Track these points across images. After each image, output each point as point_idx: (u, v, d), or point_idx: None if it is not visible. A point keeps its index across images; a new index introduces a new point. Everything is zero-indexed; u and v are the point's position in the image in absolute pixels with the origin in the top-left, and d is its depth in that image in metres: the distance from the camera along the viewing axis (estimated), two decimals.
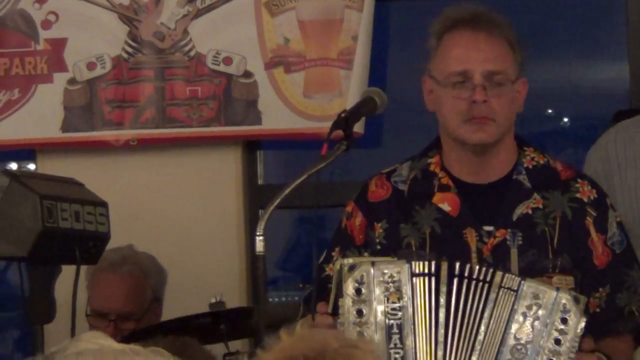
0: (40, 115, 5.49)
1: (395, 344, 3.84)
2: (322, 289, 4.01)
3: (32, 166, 5.58)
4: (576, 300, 3.84)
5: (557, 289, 3.86)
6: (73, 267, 4.27)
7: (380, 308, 3.85)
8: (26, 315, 4.33)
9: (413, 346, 3.85)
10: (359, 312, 3.84)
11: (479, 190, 4.09)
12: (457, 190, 4.08)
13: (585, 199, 4.11)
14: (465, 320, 3.86)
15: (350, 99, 4.99)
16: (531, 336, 3.85)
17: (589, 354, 3.88)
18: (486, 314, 3.85)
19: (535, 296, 3.85)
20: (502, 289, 3.85)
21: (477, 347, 3.86)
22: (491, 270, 3.88)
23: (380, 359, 2.33)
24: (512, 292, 3.85)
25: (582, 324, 3.81)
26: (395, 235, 4.08)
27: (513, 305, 3.85)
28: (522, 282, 3.86)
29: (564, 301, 3.83)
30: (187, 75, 5.46)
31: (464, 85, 3.97)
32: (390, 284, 3.86)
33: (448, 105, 4.00)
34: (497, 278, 3.86)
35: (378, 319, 3.84)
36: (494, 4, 4.64)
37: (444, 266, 3.87)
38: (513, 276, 3.87)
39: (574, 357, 3.83)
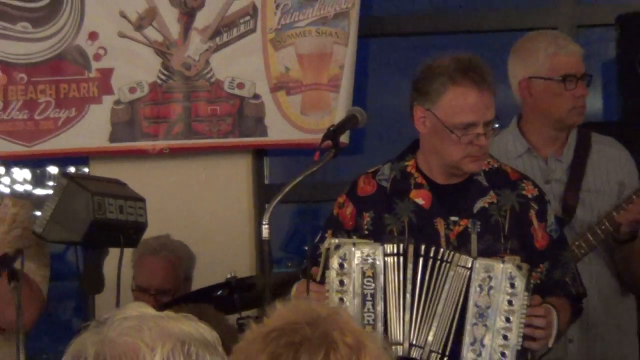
0: (92, 129, 5.46)
1: (368, 309, 3.86)
2: (315, 263, 3.98)
3: (85, 169, 5.56)
4: (519, 268, 3.85)
5: (503, 261, 3.87)
6: (118, 250, 4.25)
7: (357, 280, 3.86)
8: (81, 287, 4.31)
9: (382, 311, 3.86)
10: (341, 282, 3.85)
11: (446, 189, 4.06)
12: (429, 187, 4.05)
13: (530, 196, 4.09)
14: (429, 292, 3.87)
15: (338, 116, 4.95)
16: (489, 302, 3.85)
17: (538, 306, 3.90)
18: (446, 287, 3.86)
19: (487, 270, 3.85)
20: (459, 267, 3.86)
21: (438, 312, 3.87)
22: (450, 252, 3.89)
23: (356, 322, 2.28)
24: (467, 270, 3.85)
25: (522, 280, 3.83)
26: (380, 224, 4.05)
27: (469, 280, 3.85)
28: (475, 260, 3.87)
29: (509, 270, 3.84)
30: (208, 97, 5.43)
31: (467, 131, 3.92)
32: (367, 261, 3.87)
33: (452, 145, 3.95)
34: (455, 258, 3.87)
35: (356, 288, 3.86)
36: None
37: (411, 248, 3.88)
38: (467, 257, 3.87)
39: (526, 312, 3.84)
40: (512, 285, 3.85)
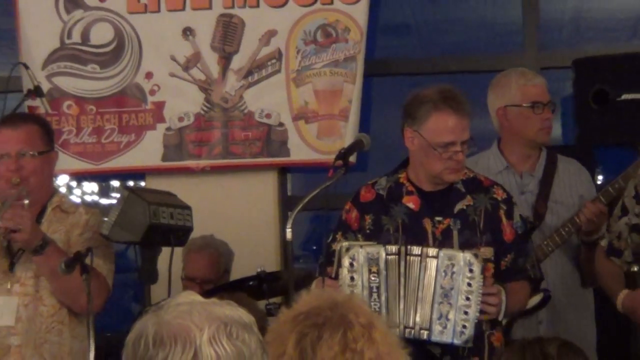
0: (148, 151, 5.46)
1: (374, 299, 3.87)
2: (329, 260, 4.00)
3: (142, 183, 5.54)
4: (476, 256, 3.86)
5: (463, 251, 3.89)
6: (169, 248, 4.27)
7: (365, 276, 3.88)
8: (139, 279, 4.30)
9: (385, 300, 3.89)
10: (352, 278, 3.88)
11: (432, 194, 4.05)
12: (418, 194, 4.05)
13: (499, 198, 4.08)
14: (412, 282, 3.89)
15: (347, 140, 4.94)
16: (452, 284, 3.86)
17: (491, 286, 3.91)
18: (422, 275, 3.88)
19: (450, 258, 3.86)
20: (428, 257, 3.88)
21: (420, 298, 3.89)
22: (423, 249, 3.90)
23: (365, 305, 2.32)
24: (434, 259, 3.87)
25: (478, 266, 3.85)
26: (379, 224, 4.05)
27: (437, 267, 3.87)
28: (440, 251, 3.89)
29: (468, 258, 3.85)
30: (242, 125, 5.41)
31: (447, 149, 3.94)
32: (372, 260, 3.89)
33: (435, 160, 3.97)
34: (425, 251, 3.89)
35: (364, 282, 3.88)
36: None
37: (402, 249, 3.90)
38: (434, 249, 3.90)
39: (482, 292, 3.86)
40: (471, 270, 3.85)
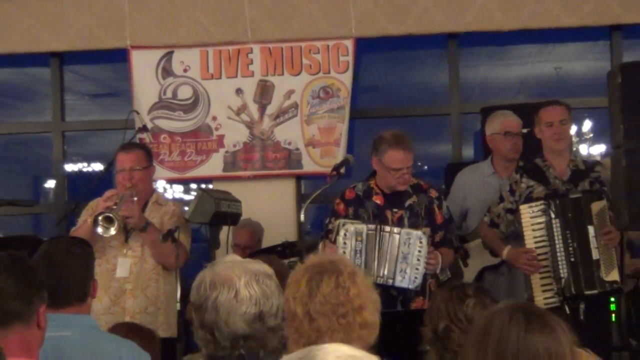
0: (213, 166, 5.41)
1: (358, 258, 3.82)
2: (327, 234, 3.96)
3: (210, 186, 5.47)
4: (425, 233, 3.85)
5: (417, 230, 3.85)
6: (226, 227, 4.30)
7: (353, 242, 3.83)
8: (208, 246, 4.27)
9: (365, 259, 3.82)
10: (344, 243, 3.82)
11: (391, 195, 4.00)
12: (382, 194, 4.01)
13: (433, 196, 4.03)
14: (384, 248, 3.84)
15: (339, 159, 4.85)
16: (409, 250, 3.83)
17: (432, 252, 3.88)
18: (390, 244, 3.83)
19: (408, 235, 3.84)
20: (394, 234, 3.83)
21: (387, 258, 3.84)
22: (391, 228, 3.86)
23: (351, 262, 2.30)
24: (397, 234, 3.83)
25: (425, 240, 3.82)
26: (357, 213, 3.99)
27: (399, 239, 3.82)
28: (401, 230, 3.85)
29: (419, 234, 3.83)
30: (273, 149, 5.36)
31: (397, 172, 3.91)
32: (358, 233, 3.84)
33: (391, 178, 3.93)
34: (392, 230, 3.84)
35: (352, 246, 3.83)
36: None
37: (378, 226, 3.85)
38: (398, 228, 3.85)
39: (427, 256, 3.83)
40: (420, 242, 3.84)
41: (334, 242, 3.84)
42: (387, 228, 3.86)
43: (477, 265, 4.53)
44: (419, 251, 3.82)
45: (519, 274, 4.24)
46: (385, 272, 3.84)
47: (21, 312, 2.05)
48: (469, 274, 4.48)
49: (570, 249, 3.96)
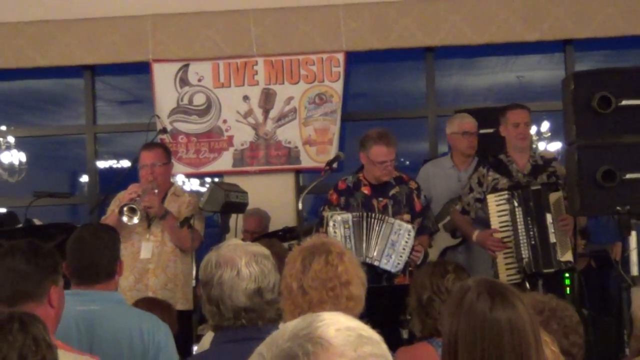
0: (224, 162, 5.38)
1: (347, 242, 3.77)
2: (321, 221, 3.93)
3: (222, 179, 5.43)
4: (413, 228, 3.82)
5: (407, 222, 3.82)
6: (235, 215, 4.27)
7: (341, 230, 3.79)
8: (220, 231, 4.27)
9: (354, 243, 3.77)
10: (334, 232, 3.78)
11: (377, 186, 3.97)
12: (369, 185, 3.98)
13: (413, 187, 4.01)
14: (375, 234, 3.79)
15: (332, 156, 4.81)
16: (398, 239, 3.80)
17: (418, 245, 3.86)
18: (381, 230, 3.79)
19: (399, 225, 3.80)
20: (387, 222, 3.79)
21: (375, 241, 3.80)
22: (382, 215, 3.82)
23: (340, 244, 2.29)
24: (390, 224, 3.79)
25: (413, 233, 3.79)
26: (348, 202, 3.97)
27: (391, 229, 3.77)
28: (395, 219, 3.81)
29: (408, 227, 3.80)
30: (275, 148, 5.33)
31: (382, 165, 3.87)
32: (345, 222, 3.81)
33: (376, 170, 3.89)
34: (385, 219, 3.80)
35: (341, 233, 3.79)
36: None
37: (364, 214, 3.81)
38: (392, 217, 3.82)
39: (412, 247, 3.79)
40: (409, 235, 3.79)
41: (325, 233, 3.78)
42: (380, 216, 3.80)
43: (441, 245, 4.53)
44: (406, 242, 3.77)
45: (474, 252, 4.26)
46: (374, 254, 3.79)
47: (32, 291, 2.06)
48: (434, 252, 4.47)
49: (531, 233, 3.95)
